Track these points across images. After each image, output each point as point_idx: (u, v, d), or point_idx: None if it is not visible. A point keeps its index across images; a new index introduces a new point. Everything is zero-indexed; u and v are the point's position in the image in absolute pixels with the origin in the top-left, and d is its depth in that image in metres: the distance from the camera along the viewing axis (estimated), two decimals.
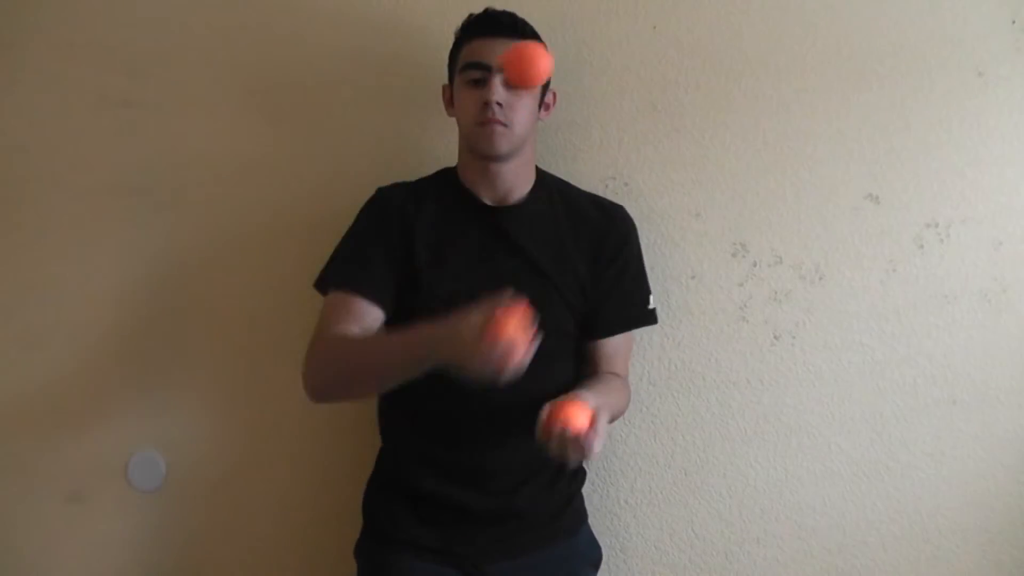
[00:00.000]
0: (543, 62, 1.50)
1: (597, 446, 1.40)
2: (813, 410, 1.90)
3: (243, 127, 1.87)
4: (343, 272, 1.63)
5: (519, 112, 1.60)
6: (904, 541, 1.91)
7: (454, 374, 1.36)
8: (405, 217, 1.65)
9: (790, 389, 1.89)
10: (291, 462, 1.91)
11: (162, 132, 1.86)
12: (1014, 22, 1.87)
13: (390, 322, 1.68)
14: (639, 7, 1.86)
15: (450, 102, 1.69)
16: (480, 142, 1.61)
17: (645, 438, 1.90)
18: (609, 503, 1.89)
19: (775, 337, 1.89)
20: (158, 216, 1.87)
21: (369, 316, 1.59)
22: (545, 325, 1.64)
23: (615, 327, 1.70)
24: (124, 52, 1.85)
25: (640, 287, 1.73)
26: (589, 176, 1.85)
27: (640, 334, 1.79)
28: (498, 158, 1.62)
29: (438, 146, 1.83)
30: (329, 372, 1.56)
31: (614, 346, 1.70)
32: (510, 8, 1.66)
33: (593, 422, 1.40)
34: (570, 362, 1.69)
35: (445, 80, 1.71)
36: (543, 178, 1.73)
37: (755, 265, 1.88)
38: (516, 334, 1.32)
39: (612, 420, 1.66)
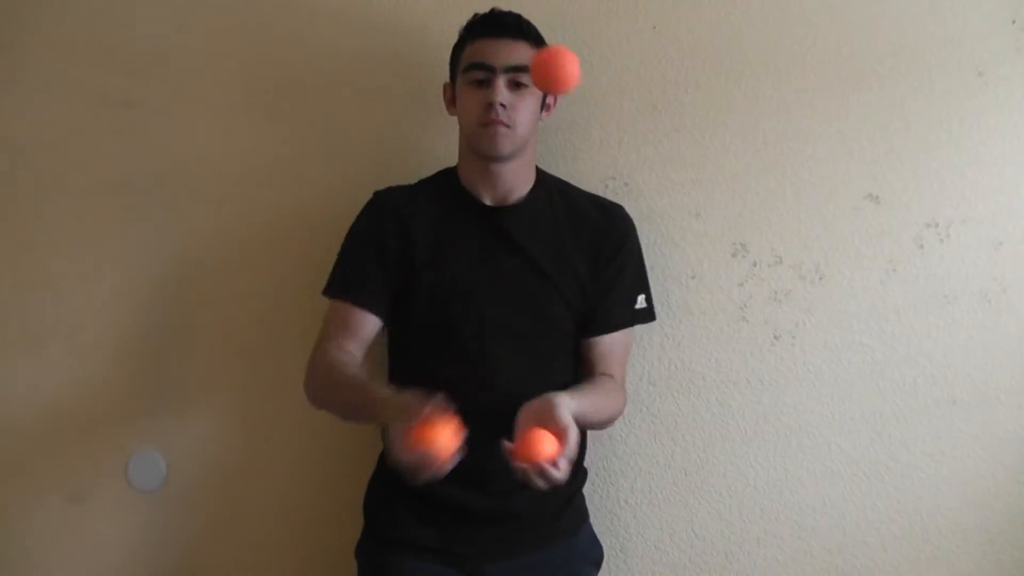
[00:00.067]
0: (574, 67, 1.45)
1: (562, 471, 1.39)
2: (813, 410, 1.90)
3: (243, 127, 1.87)
4: (340, 283, 1.67)
5: (522, 113, 1.60)
6: (904, 541, 1.91)
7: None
8: (402, 219, 1.66)
9: (790, 389, 1.89)
10: (291, 462, 1.91)
11: (162, 132, 1.86)
12: (1014, 22, 1.87)
13: (393, 323, 1.69)
14: (639, 7, 1.86)
15: (451, 101, 1.69)
16: (483, 143, 1.61)
17: (645, 438, 1.90)
18: (609, 503, 1.89)
19: (775, 337, 1.89)
20: (158, 216, 1.87)
21: (366, 326, 1.64)
22: (544, 325, 1.66)
23: (609, 324, 1.69)
24: (124, 52, 1.85)
25: (636, 286, 1.72)
26: (589, 176, 1.85)
27: (640, 334, 1.79)
28: (500, 159, 1.62)
29: (438, 146, 1.83)
30: (319, 396, 1.62)
31: (608, 345, 1.69)
32: (510, 8, 1.67)
33: (561, 444, 1.39)
34: (569, 362, 1.69)
35: (446, 79, 1.71)
36: (543, 178, 1.73)
37: (755, 265, 1.88)
38: (438, 445, 1.32)
39: (603, 424, 1.67)
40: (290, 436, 1.89)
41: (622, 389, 1.72)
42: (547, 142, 1.82)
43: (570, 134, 1.87)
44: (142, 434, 1.88)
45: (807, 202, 1.88)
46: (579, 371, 1.70)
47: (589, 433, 1.75)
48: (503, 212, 1.67)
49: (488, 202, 1.68)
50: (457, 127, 1.69)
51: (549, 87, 1.50)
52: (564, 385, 1.58)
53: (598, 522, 1.79)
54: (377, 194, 1.71)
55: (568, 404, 1.44)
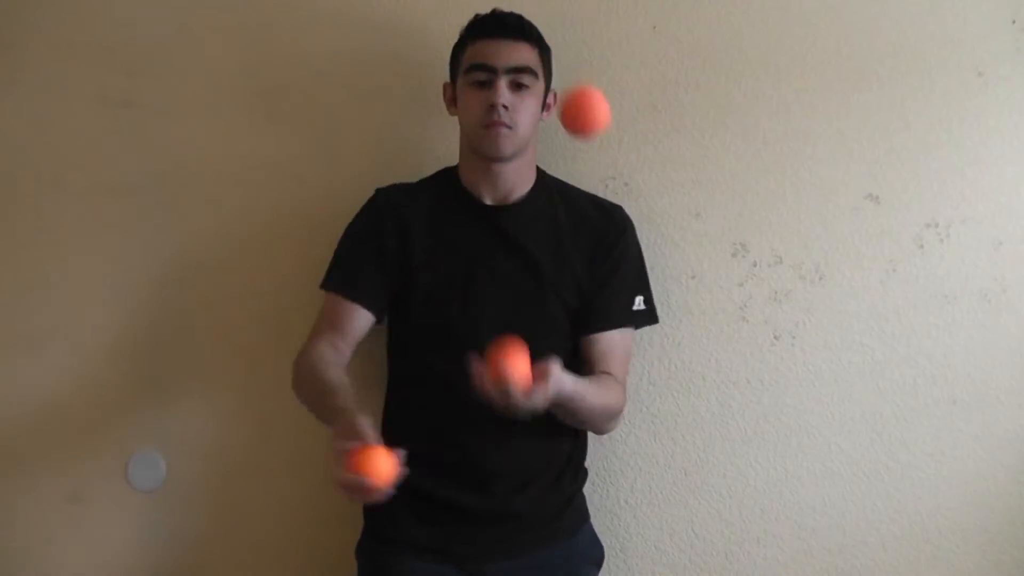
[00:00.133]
0: (603, 109, 1.44)
1: (528, 402, 1.37)
2: (813, 410, 1.90)
3: (243, 127, 1.87)
4: (335, 277, 1.68)
5: (523, 114, 1.61)
6: (904, 541, 1.91)
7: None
8: (401, 218, 1.66)
9: (790, 389, 1.89)
10: (291, 462, 1.90)
11: (162, 132, 1.86)
12: (1014, 22, 1.87)
13: (391, 322, 1.69)
14: (639, 7, 1.86)
15: (452, 101, 1.70)
16: (485, 144, 1.61)
17: (645, 438, 1.89)
18: (609, 503, 1.89)
19: (775, 337, 1.89)
20: (158, 216, 1.87)
21: (357, 321, 1.65)
22: (543, 324, 1.66)
23: (604, 321, 1.68)
24: (124, 52, 1.85)
25: (635, 287, 1.72)
26: (589, 176, 1.85)
27: (640, 334, 1.79)
28: (502, 159, 1.63)
29: (438, 146, 1.83)
30: (299, 391, 1.64)
31: (607, 344, 1.68)
32: (510, 8, 1.67)
33: (542, 376, 1.38)
34: (569, 362, 1.68)
35: (446, 79, 1.71)
36: (543, 178, 1.73)
37: (755, 265, 1.88)
38: (373, 473, 1.32)
39: (598, 415, 1.63)
40: (290, 436, 1.89)
41: (621, 388, 1.69)
42: (547, 142, 1.82)
43: None
44: (142, 434, 1.88)
45: (807, 202, 1.88)
46: (580, 372, 1.69)
47: (589, 433, 1.75)
48: (503, 211, 1.67)
49: (489, 201, 1.68)
50: (457, 127, 1.69)
51: (580, 130, 1.48)
52: None
53: (598, 522, 1.79)
54: (378, 191, 1.71)
55: (559, 367, 1.44)
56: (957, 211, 1.88)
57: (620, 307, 1.70)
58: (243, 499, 1.90)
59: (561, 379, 1.43)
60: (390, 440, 1.70)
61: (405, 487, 1.65)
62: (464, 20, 1.67)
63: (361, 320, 1.65)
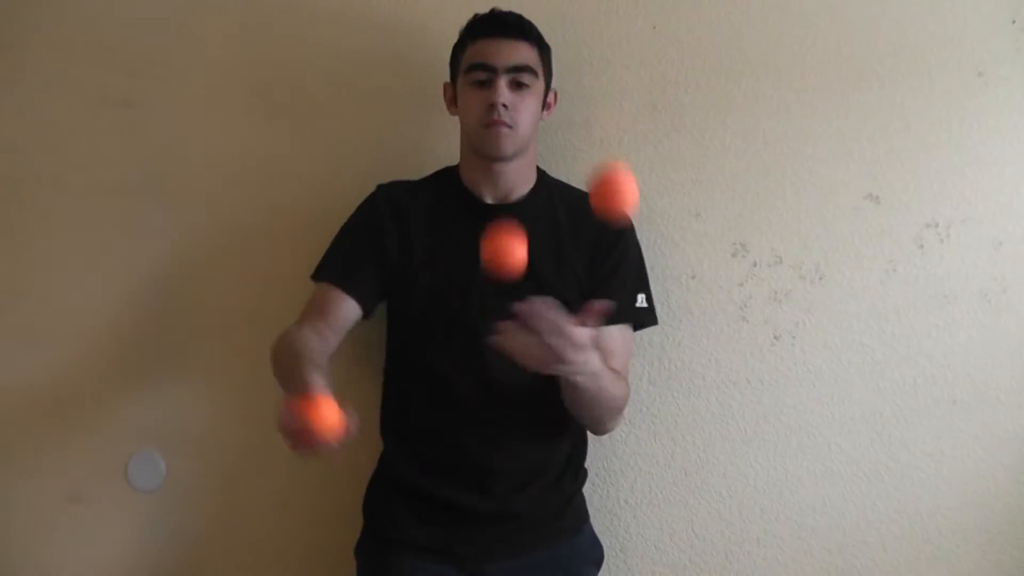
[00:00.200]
0: (631, 189, 1.45)
1: (577, 352, 1.38)
2: (813, 410, 1.90)
3: (243, 127, 1.87)
4: (328, 266, 1.67)
5: (523, 113, 1.61)
6: (904, 541, 1.91)
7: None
8: (401, 215, 1.66)
9: (790, 389, 1.89)
10: (291, 462, 1.89)
11: (162, 132, 1.86)
12: (1014, 22, 1.87)
13: (391, 321, 1.69)
14: (639, 7, 1.86)
15: (452, 101, 1.70)
16: (485, 143, 1.61)
17: (645, 438, 1.89)
18: (609, 503, 1.89)
19: (775, 337, 1.89)
20: (158, 216, 1.87)
21: (344, 311, 1.62)
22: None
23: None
24: (124, 52, 1.85)
25: (636, 285, 1.71)
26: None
27: (640, 334, 1.79)
28: (503, 159, 1.63)
29: (438, 146, 1.83)
30: (273, 363, 1.59)
31: (607, 340, 1.66)
32: (510, 8, 1.67)
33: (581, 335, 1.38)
34: None
35: (446, 79, 1.71)
36: (544, 178, 1.73)
37: (755, 265, 1.88)
38: (318, 422, 1.31)
39: (611, 410, 1.62)
40: None
41: (625, 383, 1.67)
42: (547, 142, 1.82)
43: (570, 134, 1.87)
44: (142, 434, 1.88)
45: (807, 202, 1.88)
46: None
47: (589, 434, 1.75)
48: (503, 211, 1.67)
49: (489, 201, 1.68)
50: (457, 127, 1.69)
51: (609, 210, 1.47)
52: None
53: (598, 522, 1.79)
54: (380, 187, 1.71)
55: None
56: (957, 211, 1.88)
57: (621, 304, 1.70)
58: (243, 499, 1.90)
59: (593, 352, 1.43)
60: (391, 442, 1.72)
61: (405, 487, 1.66)
62: (464, 20, 1.68)
63: (349, 311, 1.63)
